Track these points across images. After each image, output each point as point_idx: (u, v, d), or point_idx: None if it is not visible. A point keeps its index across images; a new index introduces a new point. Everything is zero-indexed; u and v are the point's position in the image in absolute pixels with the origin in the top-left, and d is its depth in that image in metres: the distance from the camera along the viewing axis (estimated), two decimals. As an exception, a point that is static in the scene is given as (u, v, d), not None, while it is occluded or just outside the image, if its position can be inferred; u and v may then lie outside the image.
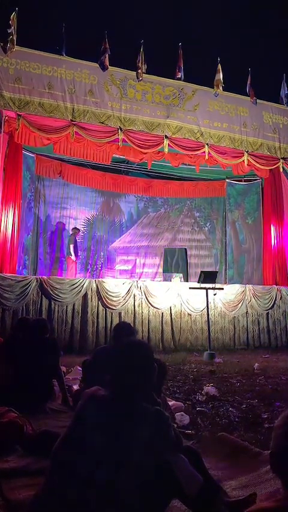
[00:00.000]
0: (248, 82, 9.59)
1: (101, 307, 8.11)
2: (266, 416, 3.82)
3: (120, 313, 8.24)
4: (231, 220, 12.22)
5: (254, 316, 9.40)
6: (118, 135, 8.45)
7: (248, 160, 9.69)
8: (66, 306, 7.88)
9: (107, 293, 8.17)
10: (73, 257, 10.63)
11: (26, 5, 8.53)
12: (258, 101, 9.71)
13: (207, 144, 9.25)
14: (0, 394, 3.55)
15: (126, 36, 10.95)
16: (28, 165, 10.15)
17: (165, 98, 8.93)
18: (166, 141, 8.86)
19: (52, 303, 7.78)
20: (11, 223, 8.60)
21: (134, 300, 8.38)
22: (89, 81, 8.33)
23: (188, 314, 8.78)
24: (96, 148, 9.19)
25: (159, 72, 8.95)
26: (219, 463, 2.74)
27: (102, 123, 8.36)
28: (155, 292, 8.57)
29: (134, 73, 8.52)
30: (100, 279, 8.98)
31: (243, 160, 9.67)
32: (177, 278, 9.52)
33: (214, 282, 8.06)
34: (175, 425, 3.42)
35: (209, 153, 9.31)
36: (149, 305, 8.48)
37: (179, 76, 9.07)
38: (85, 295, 8.04)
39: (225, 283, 11.03)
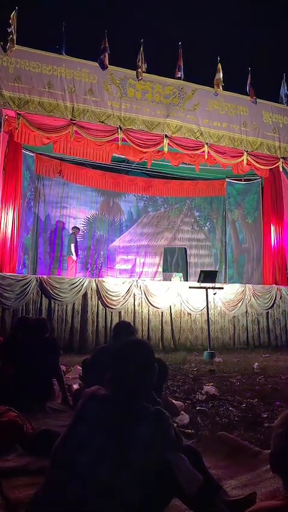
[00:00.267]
0: (248, 81, 9.58)
1: (101, 307, 8.12)
2: (265, 415, 3.82)
3: (120, 313, 8.24)
4: (231, 220, 12.21)
5: (254, 315, 9.40)
6: (118, 134, 8.45)
7: (247, 159, 9.68)
8: (66, 305, 7.88)
9: (106, 292, 8.17)
10: (74, 256, 10.63)
11: (26, 4, 8.52)
12: (258, 100, 9.70)
13: (206, 143, 9.25)
14: (0, 393, 3.54)
15: (126, 35, 10.95)
16: (28, 165, 10.14)
17: (165, 97, 8.92)
18: (166, 141, 8.85)
19: (52, 302, 7.78)
20: (10, 222, 8.59)
21: (134, 299, 8.38)
22: (89, 80, 8.32)
23: (188, 313, 8.79)
24: (96, 147, 9.19)
25: (159, 72, 8.95)
26: (219, 462, 2.74)
27: (102, 122, 8.36)
28: (155, 292, 8.57)
29: (134, 72, 8.51)
30: (100, 279, 8.99)
31: (243, 160, 9.67)
32: (177, 277, 9.52)
33: (214, 282, 8.06)
34: (175, 425, 3.43)
35: (208, 152, 9.30)
36: (149, 304, 8.48)
37: (179, 75, 9.06)
38: (85, 295, 8.04)
39: (225, 282, 11.03)
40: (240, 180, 12.04)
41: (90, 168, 11.63)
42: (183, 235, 12.82)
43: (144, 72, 8.52)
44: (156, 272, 12.25)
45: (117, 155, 9.94)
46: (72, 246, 10.59)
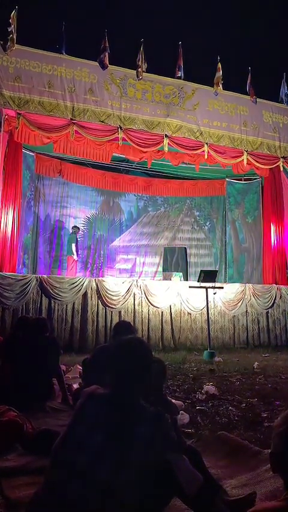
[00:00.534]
0: (248, 81, 9.57)
1: (101, 306, 8.11)
2: (265, 415, 3.82)
3: (120, 312, 8.24)
4: (231, 219, 12.21)
5: (254, 315, 9.40)
6: (118, 133, 8.44)
7: (247, 159, 9.68)
8: (66, 305, 7.88)
9: (106, 292, 8.17)
10: (75, 256, 10.63)
11: (26, 3, 8.50)
12: (258, 100, 9.70)
13: (206, 143, 9.24)
14: (0, 393, 3.54)
15: (126, 34, 10.94)
16: (28, 164, 10.13)
17: (165, 96, 8.91)
18: (166, 140, 8.85)
19: (52, 301, 7.77)
20: (10, 222, 8.58)
21: (134, 299, 8.38)
22: (89, 79, 8.32)
23: (188, 313, 8.78)
24: (96, 147, 9.18)
25: (159, 71, 8.94)
26: (219, 461, 2.74)
27: (102, 121, 8.35)
28: (155, 291, 8.57)
29: (134, 72, 8.50)
30: (100, 278, 8.98)
31: (243, 160, 9.66)
32: (177, 277, 9.51)
33: (214, 281, 8.05)
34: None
35: (208, 152, 9.30)
36: (149, 304, 8.48)
37: (179, 75, 9.05)
38: (85, 294, 8.04)
39: (225, 282, 11.02)
40: (240, 180, 12.03)
41: (90, 167, 11.62)
42: (183, 235, 12.82)
43: (144, 71, 8.51)
44: (156, 272, 12.25)
45: (117, 155, 9.94)
46: (73, 245, 10.58)
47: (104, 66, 8.21)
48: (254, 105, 9.72)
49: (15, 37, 7.57)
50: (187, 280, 9.91)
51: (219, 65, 9.08)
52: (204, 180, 12.45)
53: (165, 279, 9.83)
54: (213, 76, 9.20)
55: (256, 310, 9.40)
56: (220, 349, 8.22)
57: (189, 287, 8.34)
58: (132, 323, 6.38)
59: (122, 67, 8.60)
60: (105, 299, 8.13)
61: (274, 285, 9.99)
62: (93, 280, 8.26)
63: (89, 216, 12.11)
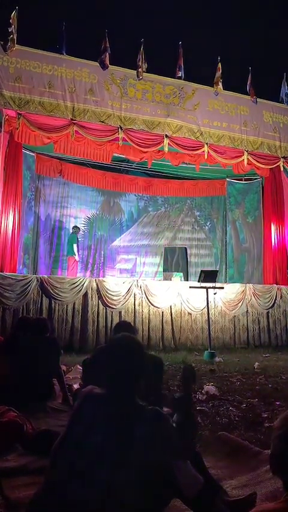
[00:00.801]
0: (249, 81, 9.57)
1: (101, 306, 8.11)
2: (266, 415, 3.82)
3: (120, 312, 8.24)
4: (232, 219, 12.20)
5: (254, 315, 9.39)
6: (118, 134, 8.44)
7: (248, 159, 9.67)
8: (67, 305, 7.88)
9: (107, 292, 8.17)
10: (77, 256, 10.63)
11: (26, 3, 8.51)
12: (258, 100, 9.70)
13: (206, 143, 9.24)
14: (0, 393, 3.54)
15: (126, 35, 10.94)
16: (28, 164, 10.13)
17: (166, 96, 8.91)
18: (166, 140, 8.84)
19: (52, 302, 7.77)
20: (11, 222, 8.59)
21: (134, 299, 8.38)
22: (89, 80, 8.32)
23: (188, 313, 8.78)
24: (97, 147, 9.18)
25: (159, 71, 8.95)
26: (219, 462, 2.74)
27: (102, 122, 8.35)
28: (155, 291, 8.56)
29: (135, 72, 8.50)
30: (100, 278, 8.99)
31: (243, 160, 9.66)
32: (177, 277, 9.51)
33: (214, 281, 8.05)
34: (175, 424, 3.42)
35: (208, 152, 9.29)
36: (149, 304, 8.47)
37: (179, 75, 9.05)
38: (85, 294, 8.04)
39: (226, 282, 11.02)
40: (241, 180, 12.03)
41: (91, 167, 11.62)
42: (183, 235, 12.81)
43: (144, 71, 8.51)
44: (156, 272, 12.25)
45: (117, 155, 9.93)
46: (75, 246, 10.58)
47: (104, 66, 8.21)
48: (255, 105, 9.71)
49: (15, 37, 7.57)
50: (187, 280, 9.91)
51: (219, 65, 9.08)
52: (204, 180, 12.44)
53: (165, 279, 9.82)
54: (213, 76, 9.20)
55: (256, 310, 9.40)
56: (220, 350, 8.21)
57: (190, 287, 8.34)
58: (132, 323, 6.38)
59: (123, 67, 8.60)
60: (106, 299, 8.13)
61: (275, 285, 9.98)
62: (94, 281, 8.26)
63: (89, 216, 12.11)
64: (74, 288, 7.96)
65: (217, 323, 8.96)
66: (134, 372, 1.64)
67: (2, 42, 7.58)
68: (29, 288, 7.55)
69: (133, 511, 1.48)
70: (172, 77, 9.06)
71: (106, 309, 8.15)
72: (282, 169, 10.31)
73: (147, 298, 8.46)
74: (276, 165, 10.14)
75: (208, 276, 7.98)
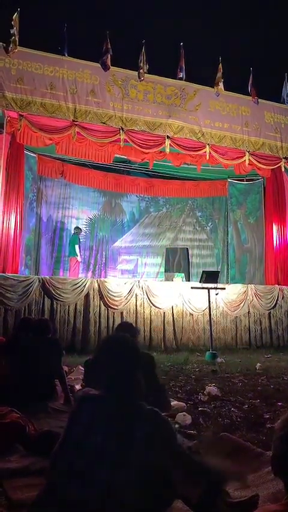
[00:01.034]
0: (250, 82, 9.56)
1: (103, 307, 8.12)
2: (268, 416, 3.82)
3: (122, 313, 8.24)
4: (233, 220, 12.19)
5: (256, 316, 9.38)
6: (120, 135, 8.45)
7: (249, 160, 9.66)
8: (68, 306, 7.89)
9: (108, 293, 8.17)
10: (79, 257, 10.63)
11: (27, 5, 8.52)
12: (259, 100, 9.68)
13: (208, 144, 9.23)
14: (2, 394, 3.55)
15: (127, 35, 10.95)
16: (30, 165, 10.15)
17: (167, 97, 8.91)
18: (167, 141, 8.84)
19: (54, 302, 7.78)
20: (13, 223, 8.60)
21: (136, 300, 8.38)
22: (91, 81, 8.33)
23: (190, 314, 8.77)
24: (98, 148, 9.19)
25: (160, 72, 8.94)
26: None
27: (104, 123, 8.36)
28: (157, 292, 8.56)
29: (136, 73, 8.51)
30: (102, 279, 8.99)
31: (245, 160, 9.65)
32: (179, 278, 9.51)
33: (216, 282, 8.05)
34: (177, 426, 3.42)
35: (210, 153, 9.28)
36: (151, 305, 8.47)
37: (181, 76, 9.05)
38: (87, 295, 8.04)
39: (227, 283, 11.00)
40: (242, 180, 12.01)
41: (92, 168, 11.63)
42: (185, 236, 12.81)
43: (146, 72, 8.51)
44: (158, 272, 12.24)
45: (119, 156, 9.94)
46: (77, 246, 10.59)
47: (106, 68, 8.22)
48: (256, 105, 9.70)
49: (17, 39, 7.58)
50: (189, 281, 9.90)
51: (220, 65, 9.07)
52: (206, 181, 12.43)
53: (167, 279, 9.82)
54: (214, 77, 9.19)
55: (258, 310, 9.39)
56: (222, 350, 8.21)
57: (191, 288, 8.33)
58: (134, 324, 6.39)
59: (124, 68, 8.61)
60: (107, 300, 8.13)
61: (276, 285, 9.97)
62: (95, 281, 8.27)
63: (91, 217, 12.12)
64: (76, 288, 7.97)
65: (219, 324, 8.95)
66: (131, 371, 1.64)
67: (4, 44, 7.60)
68: (31, 288, 7.56)
69: (133, 511, 1.48)
70: (173, 77, 9.07)
71: (108, 309, 8.15)
72: (283, 169, 10.30)
73: (148, 298, 8.46)
74: (277, 165, 10.12)
75: (210, 277, 7.98)
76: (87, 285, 8.06)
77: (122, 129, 8.46)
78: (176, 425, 3.47)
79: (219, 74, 9.00)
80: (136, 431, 1.51)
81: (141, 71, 8.41)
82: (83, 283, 8.09)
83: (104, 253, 12.18)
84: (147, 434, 1.52)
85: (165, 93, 8.91)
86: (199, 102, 9.17)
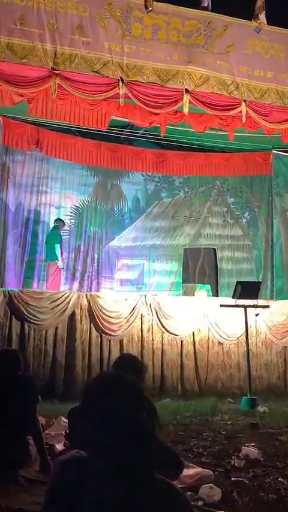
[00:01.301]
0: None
1: (94, 333, 8.17)
2: None
3: (121, 341, 8.31)
4: (280, 209, 12.20)
5: (313, 345, 9.38)
6: (119, 88, 8.48)
7: (303, 123, 9.67)
8: (46, 331, 7.94)
9: (102, 312, 8.22)
10: (60, 262, 10.67)
11: None
12: None
13: (244, 100, 9.24)
14: None
15: None
16: (-9, 132, 10.26)
17: (186, 35, 8.94)
18: (186, 97, 8.86)
19: (26, 326, 7.83)
20: None
21: (142, 323, 8.43)
22: (78, 12, 8.38)
23: (219, 343, 8.82)
24: (88, 107, 9.23)
25: (176, 0, 8.97)
26: None
27: (96, 72, 8.40)
28: (172, 312, 8.60)
29: (141, 1, 8.56)
30: (93, 293, 9.03)
31: (297, 124, 9.66)
32: (202, 291, 9.52)
33: (256, 297, 8.07)
34: (200, 503, 3.43)
35: (247, 113, 9.29)
36: (163, 330, 8.51)
37: (205, 4, 9.09)
38: (72, 316, 8.09)
39: (272, 298, 11.00)
40: (293, 152, 12.04)
41: (80, 136, 11.70)
42: (211, 231, 12.84)
43: (155, 1, 8.56)
44: (172, 283, 12.27)
45: (117, 118, 9.99)
46: (58, 246, 10.63)
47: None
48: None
49: None
50: (217, 295, 9.93)
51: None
52: (241, 153, 12.47)
53: (186, 294, 9.84)
54: (253, 5, 9.22)
55: None
56: (265, 395, 8.24)
57: (221, 306, 8.37)
58: (139, 357, 6.40)
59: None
60: (101, 322, 8.18)
61: None
62: (84, 296, 8.32)
63: (77, 204, 12.19)
64: (57, 306, 8.02)
65: (260, 357, 8.98)
66: (138, 424, 1.64)
67: None
68: (-7, 306, 7.62)
69: None
70: (195, 7, 9.10)
71: (101, 336, 8.20)
72: None
73: (159, 321, 8.49)
74: None
75: (247, 290, 7.99)
76: (72, 302, 8.10)
77: (122, 80, 8.50)
78: (199, 503, 3.47)
79: (261, 2, 9.03)
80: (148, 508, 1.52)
81: (149, -2, 8.47)
82: (66, 298, 8.13)
83: (96, 256, 12.23)
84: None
85: (183, 30, 8.95)
86: (231, 41, 9.19)
